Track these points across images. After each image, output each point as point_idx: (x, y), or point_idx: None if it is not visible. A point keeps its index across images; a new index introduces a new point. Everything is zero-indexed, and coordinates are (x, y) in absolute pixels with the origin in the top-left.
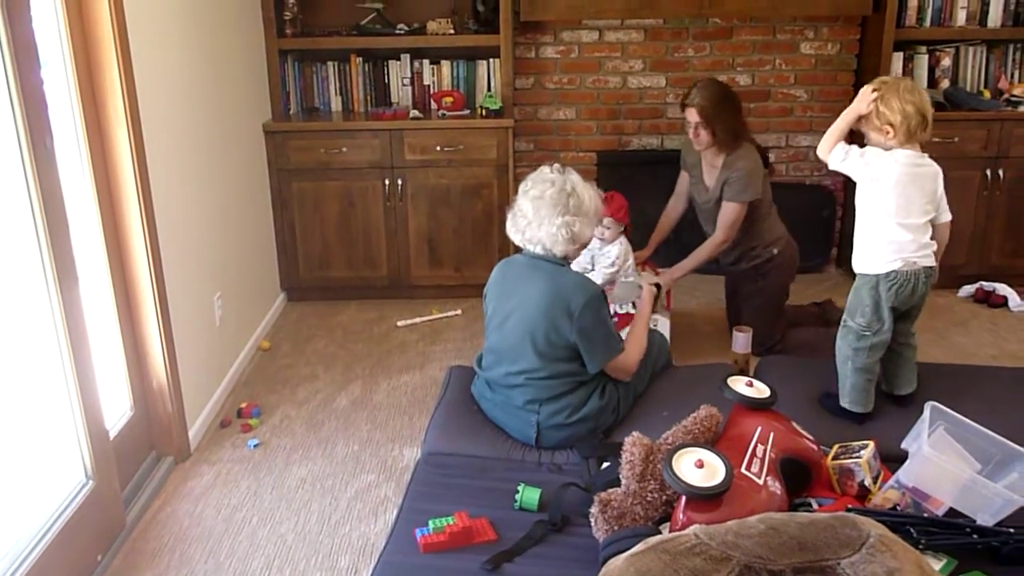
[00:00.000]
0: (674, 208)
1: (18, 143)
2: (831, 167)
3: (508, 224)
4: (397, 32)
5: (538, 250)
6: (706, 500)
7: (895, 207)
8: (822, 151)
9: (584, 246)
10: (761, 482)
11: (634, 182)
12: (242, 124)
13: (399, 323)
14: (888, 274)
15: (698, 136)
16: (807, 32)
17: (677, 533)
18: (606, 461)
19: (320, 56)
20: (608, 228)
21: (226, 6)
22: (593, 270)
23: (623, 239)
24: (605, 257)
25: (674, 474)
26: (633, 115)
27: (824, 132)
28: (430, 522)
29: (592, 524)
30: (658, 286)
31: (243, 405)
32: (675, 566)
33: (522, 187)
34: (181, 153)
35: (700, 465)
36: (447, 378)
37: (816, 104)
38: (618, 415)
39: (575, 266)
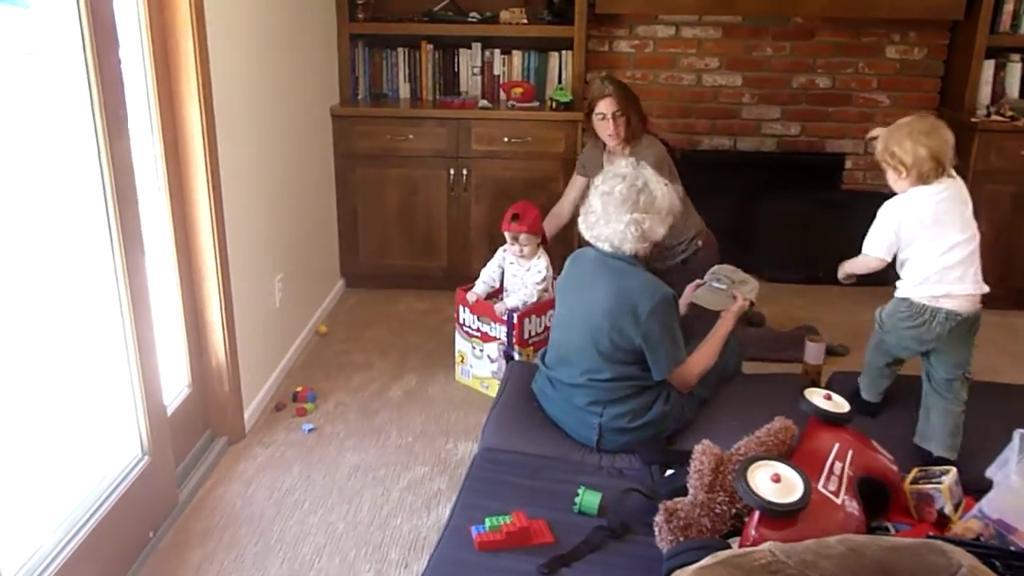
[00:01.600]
0: (559, 217)
1: (93, 118)
2: (881, 254)
3: (580, 221)
4: (469, 20)
5: (606, 247)
6: (781, 517)
7: (926, 238)
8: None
9: (657, 244)
10: (839, 501)
11: (704, 184)
12: (310, 107)
13: None
14: (904, 300)
15: (616, 127)
16: (893, 35)
17: (750, 549)
18: (670, 468)
19: (390, 42)
20: (526, 245)
21: None
22: (521, 289)
23: (542, 251)
24: (535, 272)
25: (748, 487)
26: (706, 114)
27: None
28: (487, 520)
29: (656, 533)
30: (752, 304)
31: (299, 389)
32: None
33: (593, 182)
34: (249, 133)
35: (777, 479)
36: (508, 373)
37: (898, 111)
38: (682, 422)
39: (510, 286)
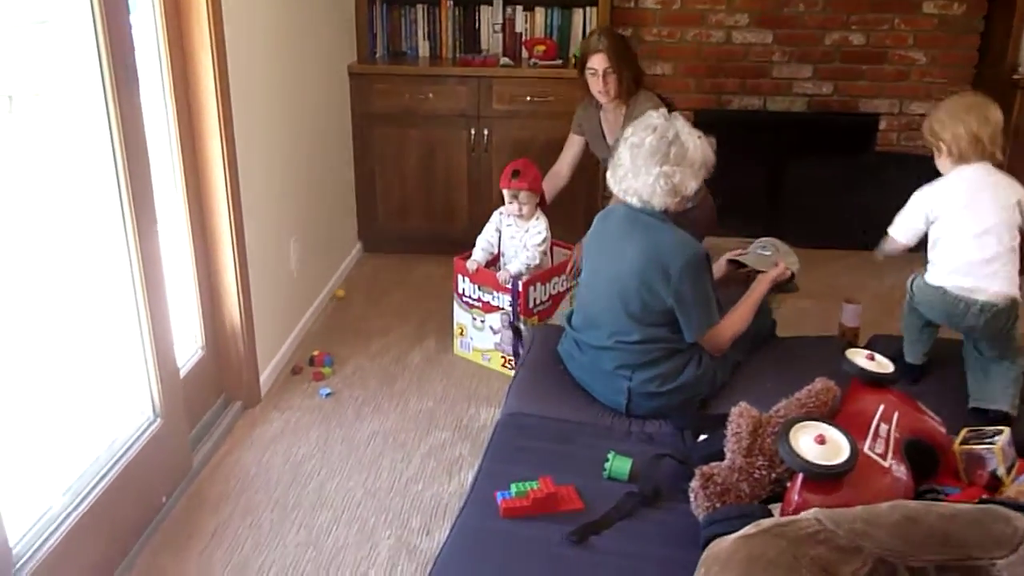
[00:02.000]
0: (557, 177)
1: (101, 75)
2: (906, 239)
3: (608, 175)
4: None
5: (635, 202)
6: (826, 480)
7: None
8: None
9: (687, 199)
10: (887, 464)
11: (733, 145)
12: (326, 65)
13: None
14: (936, 288)
15: (607, 84)
16: None
17: (795, 517)
18: (703, 433)
19: None
20: (524, 203)
21: None
22: (521, 252)
23: (540, 212)
24: (535, 233)
25: (791, 449)
26: (736, 73)
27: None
28: (512, 486)
29: (691, 499)
30: (793, 275)
31: (316, 353)
32: (795, 553)
33: (623, 133)
34: (264, 91)
35: (821, 441)
36: (532, 336)
37: (935, 69)
38: (715, 386)
39: (508, 249)
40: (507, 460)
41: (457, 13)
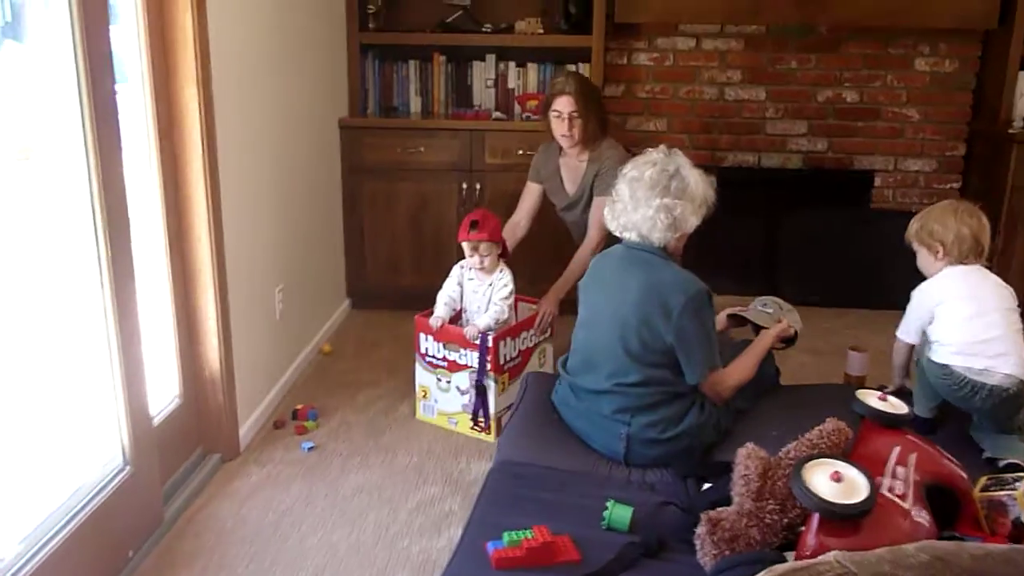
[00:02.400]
0: (516, 227)
1: (80, 109)
2: (915, 339)
3: (605, 212)
4: (483, 30)
5: (634, 237)
6: (845, 521)
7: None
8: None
9: (687, 235)
10: (907, 507)
11: (728, 201)
12: (317, 117)
13: None
14: (943, 367)
15: (572, 128)
16: (922, 47)
17: (813, 560)
18: (708, 482)
19: (402, 54)
20: (486, 255)
21: None
22: (489, 306)
23: (503, 264)
24: (500, 287)
25: (806, 488)
26: (729, 129)
27: (937, 157)
28: (505, 535)
29: (697, 547)
30: (796, 333)
31: (299, 407)
32: None
33: (621, 171)
34: (253, 140)
35: (837, 478)
36: (523, 384)
37: (929, 125)
38: (719, 433)
39: (471, 304)
40: (499, 510)
41: (450, 69)
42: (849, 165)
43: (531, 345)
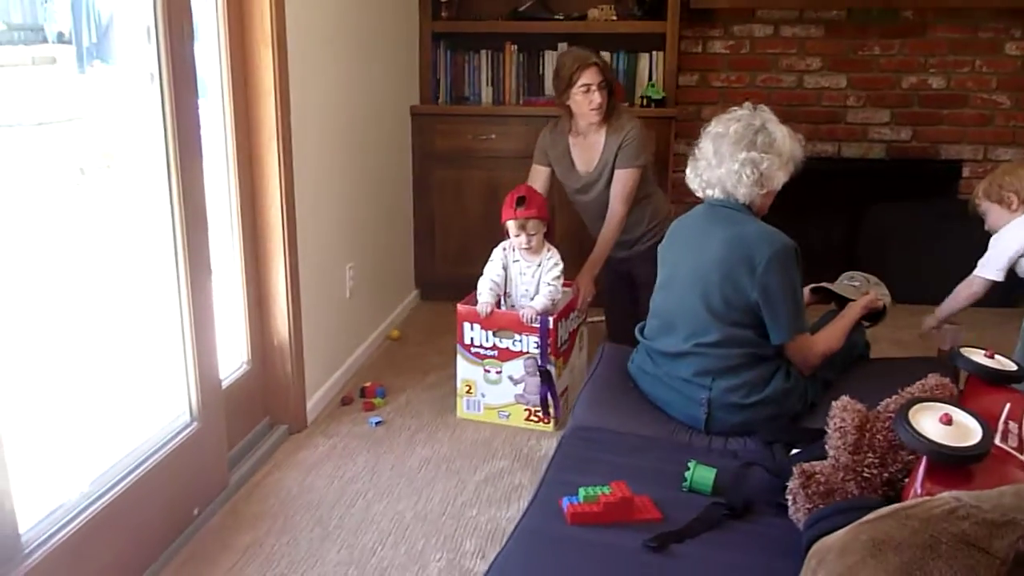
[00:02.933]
0: None
1: (161, 98)
2: (999, 276)
3: (687, 171)
4: (556, 18)
5: (717, 194)
6: (956, 468)
7: None
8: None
9: (774, 194)
10: None
11: (807, 193)
12: (389, 105)
13: None
14: None
15: (603, 99)
16: (1013, 30)
17: (926, 498)
18: (796, 448)
19: (473, 44)
20: (533, 233)
21: None
22: (542, 287)
23: (548, 244)
24: (551, 265)
25: (913, 430)
26: (808, 118)
27: None
28: (580, 490)
29: (790, 502)
30: (885, 307)
31: (367, 384)
32: (931, 532)
33: (704, 128)
34: (325, 122)
35: (948, 421)
36: (599, 354)
37: (1021, 112)
38: (805, 403)
39: (518, 288)
40: (574, 471)
41: (521, 59)
42: (935, 155)
43: (574, 327)
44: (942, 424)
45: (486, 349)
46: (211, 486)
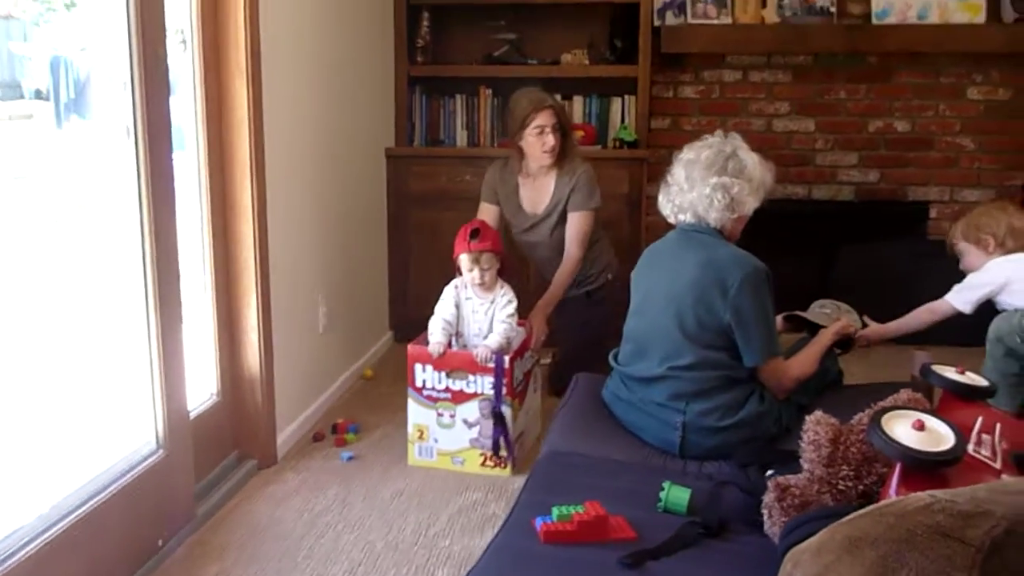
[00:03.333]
0: None
1: (134, 123)
2: (967, 309)
3: (660, 197)
4: (529, 62)
5: (689, 218)
6: (930, 474)
7: None
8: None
9: (745, 219)
10: (998, 467)
11: (778, 235)
12: (364, 146)
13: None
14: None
15: (556, 142)
16: (975, 75)
17: (900, 498)
18: (770, 469)
19: (448, 88)
20: (487, 268)
21: (360, 29)
22: (496, 325)
23: (500, 280)
24: (505, 303)
25: (886, 436)
26: (778, 161)
27: (995, 187)
28: (554, 509)
29: (765, 517)
30: (855, 332)
31: (339, 421)
32: (907, 525)
33: (676, 155)
34: (301, 163)
35: (920, 427)
36: (572, 385)
37: (985, 155)
38: (780, 427)
39: (470, 326)
40: (548, 492)
41: (496, 103)
42: (903, 196)
43: (529, 368)
44: (915, 430)
45: (439, 391)
46: (177, 517)
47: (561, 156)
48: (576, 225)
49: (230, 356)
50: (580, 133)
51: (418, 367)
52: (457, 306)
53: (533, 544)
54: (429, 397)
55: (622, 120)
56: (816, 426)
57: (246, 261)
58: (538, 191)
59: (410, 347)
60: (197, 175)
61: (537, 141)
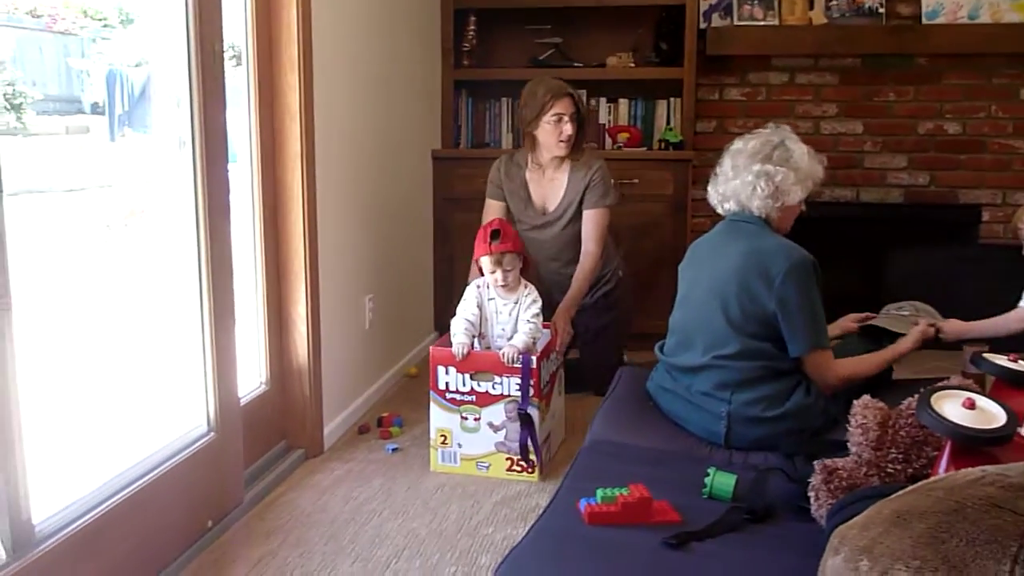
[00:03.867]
0: None
1: (193, 163)
2: None
3: (709, 188)
4: (575, 65)
5: (733, 206)
6: (981, 452)
7: None
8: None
9: (793, 210)
10: None
11: (826, 238)
12: (411, 148)
13: None
14: None
15: (567, 130)
16: None
17: (950, 473)
18: (816, 460)
19: (494, 92)
20: (509, 269)
21: (407, 33)
22: (521, 325)
23: (522, 279)
24: (529, 302)
25: (936, 414)
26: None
27: None
28: (598, 491)
29: (812, 499)
30: (938, 330)
31: (385, 414)
32: (957, 497)
33: (727, 146)
34: (349, 163)
35: (970, 406)
36: (617, 377)
37: None
38: (827, 420)
39: (494, 328)
40: (593, 479)
41: None
42: (953, 199)
43: (554, 369)
44: (965, 409)
45: (463, 394)
46: (226, 500)
47: (575, 148)
48: (593, 222)
49: (279, 348)
50: (626, 134)
51: (440, 369)
52: (480, 307)
53: (577, 525)
54: (452, 400)
55: (667, 122)
56: (864, 410)
57: (296, 257)
58: (550, 186)
59: (432, 348)
60: (250, 175)
61: (554, 130)
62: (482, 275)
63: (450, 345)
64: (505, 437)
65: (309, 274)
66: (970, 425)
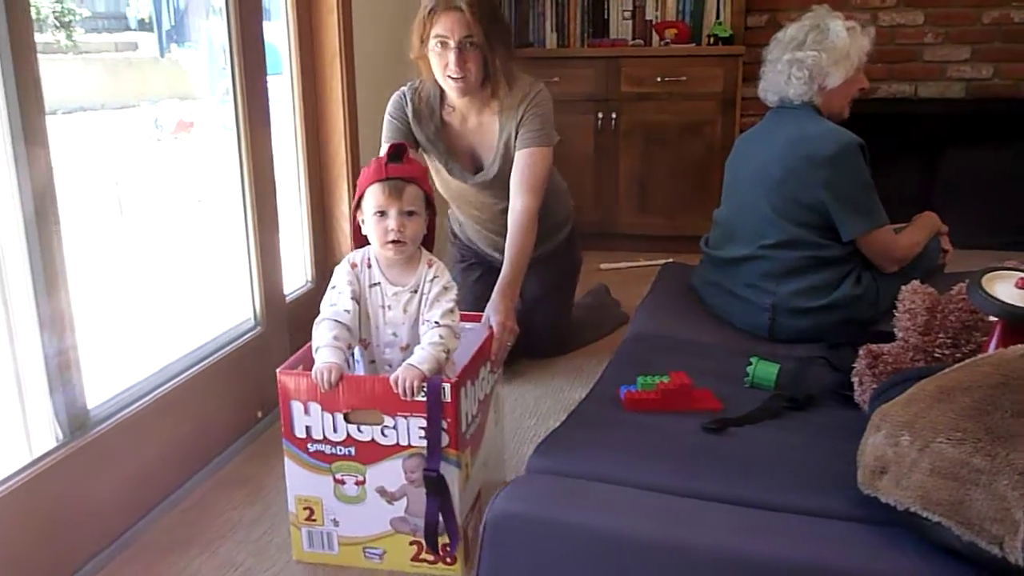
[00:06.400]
0: None
1: (230, 47)
2: None
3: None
4: None
5: (774, 99)
6: None
7: None
8: None
9: (842, 93)
10: None
11: (882, 136)
12: None
13: (603, 266)
14: None
15: (464, 63)
16: None
17: (997, 351)
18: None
19: None
20: (412, 210)
21: None
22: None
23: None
24: (440, 291)
25: (987, 294)
26: (882, 57)
27: None
28: (639, 378)
29: (856, 385)
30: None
31: None
32: (1003, 371)
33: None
34: (388, 60)
35: (1023, 286)
36: (659, 274)
37: None
38: (877, 311)
39: (381, 329)
40: (632, 369)
41: (586, 3)
42: (1018, 93)
43: (488, 391)
44: (1017, 289)
45: (335, 445)
46: (274, 392)
47: (494, 83)
48: (528, 166)
49: (324, 247)
50: (674, 30)
51: (295, 405)
52: (357, 298)
53: (616, 412)
54: (319, 455)
55: (717, 16)
56: (913, 295)
57: (337, 156)
58: (477, 134)
59: (280, 373)
60: (289, 79)
61: (438, 59)
62: (359, 245)
63: (308, 367)
64: (405, 510)
65: (351, 174)
66: (1022, 305)
